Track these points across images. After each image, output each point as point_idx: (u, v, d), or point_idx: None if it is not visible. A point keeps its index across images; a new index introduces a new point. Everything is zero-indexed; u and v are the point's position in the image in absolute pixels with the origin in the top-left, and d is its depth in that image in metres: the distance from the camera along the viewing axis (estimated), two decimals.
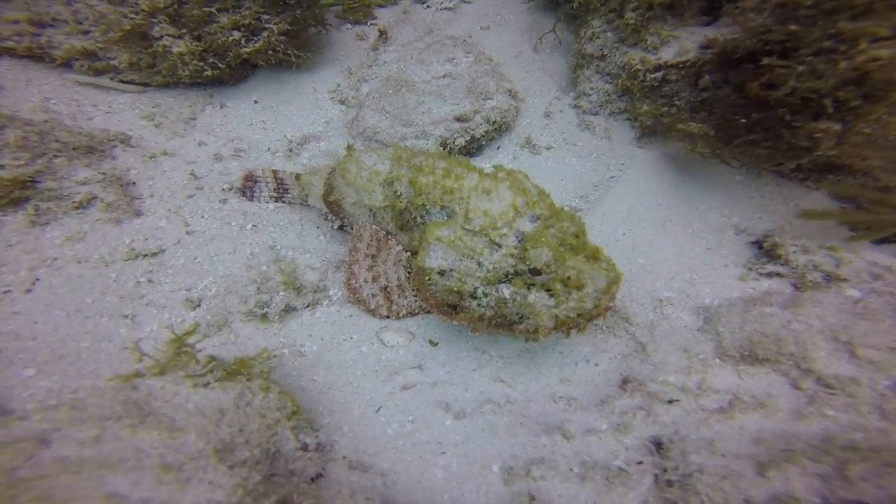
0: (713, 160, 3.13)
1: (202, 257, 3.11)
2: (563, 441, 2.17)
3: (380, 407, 2.36)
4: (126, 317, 2.72)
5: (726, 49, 2.95)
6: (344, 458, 2.15)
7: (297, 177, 3.33)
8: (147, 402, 1.73)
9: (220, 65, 4.03)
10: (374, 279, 2.69)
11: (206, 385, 1.92)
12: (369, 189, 2.66)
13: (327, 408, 2.36)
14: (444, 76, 3.70)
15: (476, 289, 2.19)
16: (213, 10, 3.78)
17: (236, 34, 3.91)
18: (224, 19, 3.83)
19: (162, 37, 3.79)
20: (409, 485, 2.06)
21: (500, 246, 2.16)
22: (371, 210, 2.70)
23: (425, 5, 4.97)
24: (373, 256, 2.70)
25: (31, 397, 2.20)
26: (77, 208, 3.08)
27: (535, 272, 2.09)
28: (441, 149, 3.44)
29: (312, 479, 1.95)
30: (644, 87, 3.35)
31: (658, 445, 2.16)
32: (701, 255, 2.89)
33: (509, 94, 3.66)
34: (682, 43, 3.24)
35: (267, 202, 3.43)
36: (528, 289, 2.13)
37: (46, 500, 1.29)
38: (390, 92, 3.76)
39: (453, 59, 3.85)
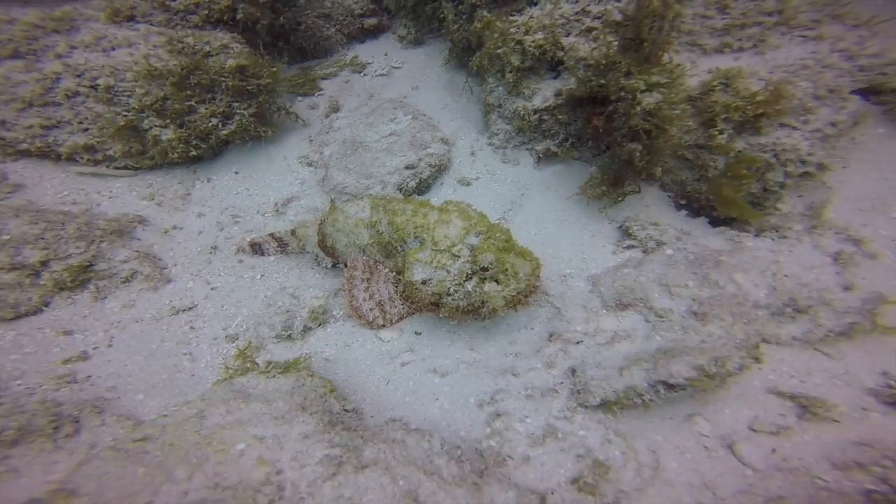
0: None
1: (228, 305, 4.05)
2: (514, 378, 3.31)
3: (388, 381, 3.42)
4: (186, 354, 3.63)
5: (569, 95, 4.25)
6: (371, 417, 3.19)
7: (293, 232, 4.31)
8: (244, 390, 2.72)
9: (202, 146, 4.98)
10: (371, 297, 3.73)
11: (273, 377, 2.93)
12: (356, 232, 3.71)
13: (352, 390, 3.39)
14: (390, 134, 4.84)
15: (449, 288, 3.28)
16: (193, 103, 4.74)
17: (214, 120, 4.88)
18: (203, 109, 4.80)
19: (151, 128, 4.71)
20: (418, 422, 3.12)
21: (459, 257, 3.28)
22: (360, 247, 3.75)
23: (363, 74, 6.11)
24: (367, 280, 3.75)
25: (150, 411, 3.12)
26: (125, 282, 3.95)
27: (485, 269, 3.23)
28: (399, 193, 4.56)
29: None
30: (530, 126, 4.62)
31: (573, 372, 3.32)
32: (588, 241, 4.15)
33: (442, 142, 4.83)
34: (544, 93, 4.54)
35: (271, 255, 4.40)
36: (483, 282, 3.26)
37: (225, 442, 2.26)
38: (349, 153, 4.85)
39: (394, 119, 5.00)
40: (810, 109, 3.90)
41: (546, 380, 3.27)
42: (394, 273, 3.74)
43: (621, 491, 2.70)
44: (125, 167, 5.00)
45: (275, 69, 5.18)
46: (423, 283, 3.33)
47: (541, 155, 4.71)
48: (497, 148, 4.91)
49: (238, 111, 4.98)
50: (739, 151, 3.87)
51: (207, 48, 4.85)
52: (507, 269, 3.26)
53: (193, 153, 4.97)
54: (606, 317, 3.55)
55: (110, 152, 4.84)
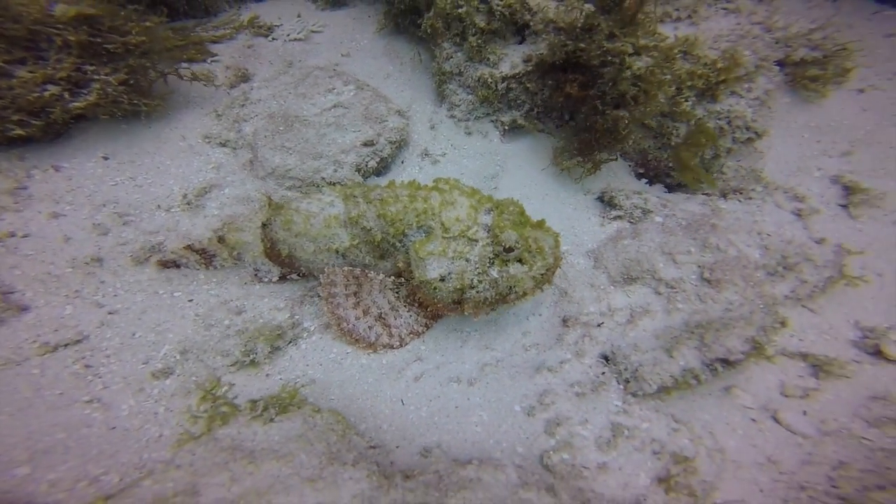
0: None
1: (142, 331, 2.90)
2: (551, 375, 2.87)
3: (403, 400, 2.71)
4: (90, 402, 2.51)
5: (540, 61, 3.97)
6: (398, 447, 2.47)
7: (220, 239, 3.16)
8: (240, 444, 1.83)
9: (33, 122, 3.55)
10: (366, 312, 2.94)
11: (272, 420, 2.06)
12: (330, 234, 2.86)
13: (358, 416, 2.60)
14: (333, 107, 3.99)
15: (472, 280, 2.70)
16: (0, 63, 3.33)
17: (53, 88, 3.50)
18: (23, 73, 3.41)
19: None
20: (459, 444, 2.50)
21: (477, 241, 2.71)
22: (338, 252, 2.90)
23: (270, 38, 5.04)
24: (355, 294, 2.94)
25: (56, 488, 2.06)
26: None
27: (509, 250, 2.69)
28: (357, 175, 3.76)
29: None
30: (496, 96, 4.23)
31: (606, 359, 2.97)
32: (572, 214, 3.89)
33: (399, 115, 4.13)
34: (511, 59, 4.19)
35: (197, 269, 3.25)
36: (507, 265, 2.74)
37: None
38: (282, 129, 3.88)
39: (333, 89, 4.15)
40: (752, 77, 4.14)
41: (584, 371, 2.90)
42: (391, 277, 3.01)
43: (703, 481, 2.46)
44: None
45: (148, 24, 3.90)
46: (442, 279, 2.70)
47: (506, 127, 4.34)
48: (459, 120, 4.39)
49: (97, 77, 3.63)
50: (699, 119, 3.98)
51: None
52: (530, 246, 2.79)
53: (18, 132, 3.52)
54: (615, 293, 3.31)
55: None
